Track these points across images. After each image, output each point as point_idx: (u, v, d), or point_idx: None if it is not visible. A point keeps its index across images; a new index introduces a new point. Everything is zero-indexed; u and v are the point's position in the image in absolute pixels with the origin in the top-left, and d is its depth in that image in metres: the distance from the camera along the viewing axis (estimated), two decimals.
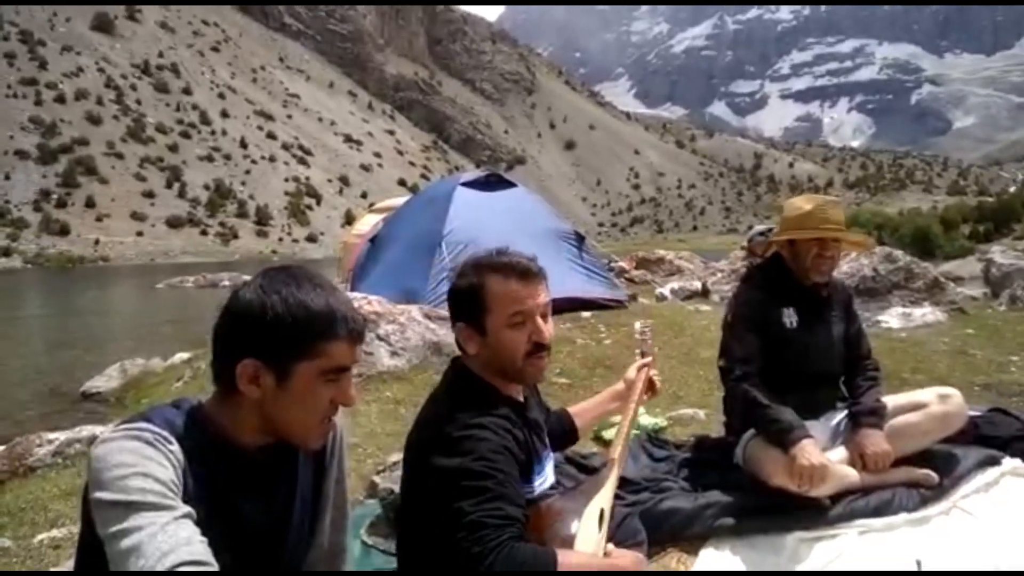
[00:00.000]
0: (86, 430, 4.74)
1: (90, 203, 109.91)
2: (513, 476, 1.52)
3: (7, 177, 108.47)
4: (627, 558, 1.58)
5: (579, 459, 2.85)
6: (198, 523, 1.10)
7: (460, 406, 1.60)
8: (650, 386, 2.13)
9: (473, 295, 1.67)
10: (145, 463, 1.10)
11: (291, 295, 1.22)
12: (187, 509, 1.10)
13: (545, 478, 1.76)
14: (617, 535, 1.79)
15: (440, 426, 1.57)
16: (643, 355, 2.17)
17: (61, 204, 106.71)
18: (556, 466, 1.93)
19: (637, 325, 2.23)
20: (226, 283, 28.12)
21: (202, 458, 1.20)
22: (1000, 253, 11.51)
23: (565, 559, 1.41)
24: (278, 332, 1.20)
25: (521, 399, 1.77)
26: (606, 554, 1.58)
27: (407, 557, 1.71)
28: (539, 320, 1.68)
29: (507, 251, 1.73)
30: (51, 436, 4.63)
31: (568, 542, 1.51)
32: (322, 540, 1.45)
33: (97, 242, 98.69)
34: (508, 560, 1.35)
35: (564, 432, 2.13)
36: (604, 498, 1.74)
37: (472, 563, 1.37)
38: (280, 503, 1.34)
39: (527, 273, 1.68)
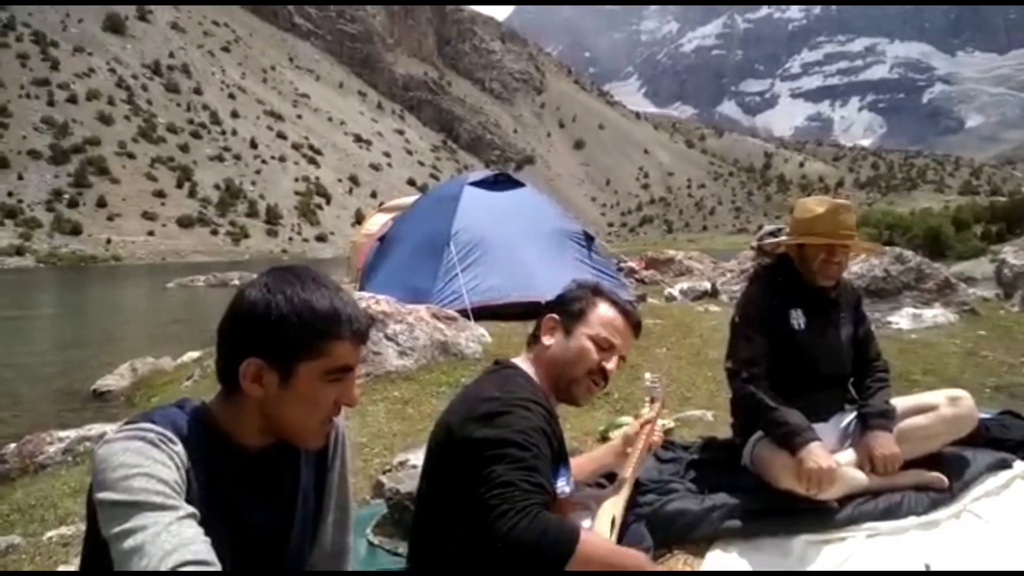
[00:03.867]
0: (96, 428, 4.78)
1: (102, 203, 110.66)
2: (547, 457, 1.55)
3: (20, 177, 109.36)
4: (641, 556, 1.59)
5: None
6: (201, 523, 1.10)
7: (507, 386, 1.66)
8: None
9: (581, 302, 1.85)
10: (149, 463, 1.10)
11: (296, 295, 1.22)
12: (190, 509, 1.10)
13: (567, 483, 1.76)
14: (622, 541, 1.80)
15: (481, 402, 1.61)
16: (652, 401, 2.17)
17: (73, 204, 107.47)
18: None
19: (648, 376, 2.24)
20: (236, 282, 28.22)
21: (205, 458, 1.20)
22: (1013, 253, 11.39)
23: (587, 537, 1.43)
24: (282, 331, 1.20)
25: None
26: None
27: (420, 550, 1.71)
28: (616, 358, 1.84)
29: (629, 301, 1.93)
30: (61, 434, 4.68)
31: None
32: (325, 540, 1.46)
33: (109, 241, 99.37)
34: (533, 523, 1.37)
35: None
36: (617, 506, 1.77)
37: (497, 520, 1.38)
38: (283, 503, 1.35)
39: (632, 319, 1.89)
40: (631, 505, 1.93)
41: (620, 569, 1.48)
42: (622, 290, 8.96)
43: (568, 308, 1.85)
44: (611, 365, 1.82)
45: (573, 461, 2.04)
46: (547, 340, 1.82)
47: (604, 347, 1.81)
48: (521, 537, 1.36)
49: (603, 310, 1.84)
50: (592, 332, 1.81)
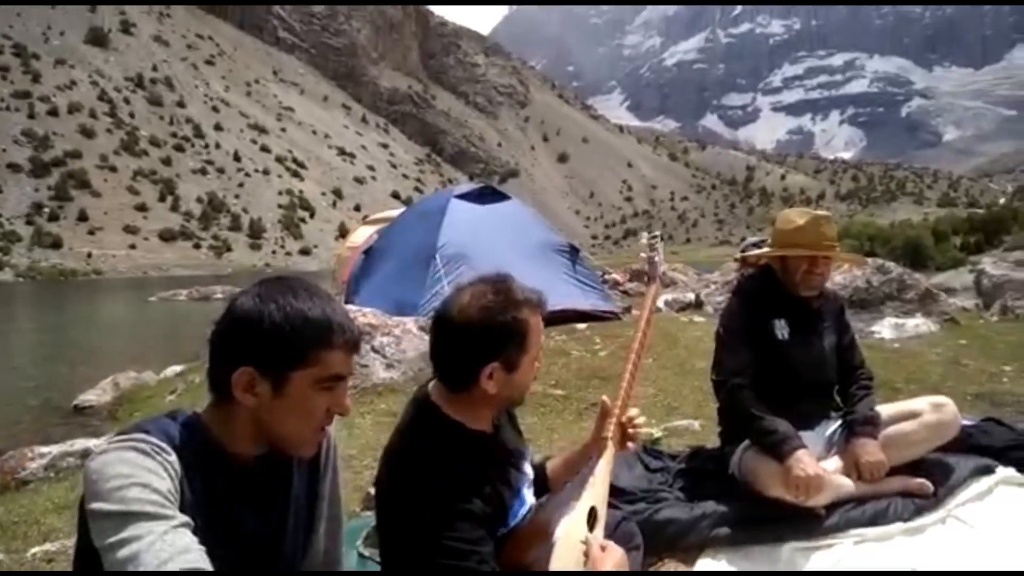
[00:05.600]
0: (79, 443, 4.72)
1: (83, 216, 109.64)
2: (473, 514, 1.50)
3: None
4: (605, 562, 1.53)
5: None
6: (195, 532, 1.10)
7: (424, 450, 1.57)
8: (624, 436, 1.86)
9: (518, 332, 1.59)
10: (142, 473, 1.10)
11: (288, 304, 1.23)
12: (185, 518, 1.10)
13: (524, 503, 1.71)
14: (612, 540, 1.73)
15: (400, 470, 1.58)
16: (650, 275, 2.11)
17: (54, 217, 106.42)
18: None
19: (644, 236, 2.13)
20: (219, 296, 28.06)
21: (199, 468, 1.20)
22: (991, 264, 11.59)
23: None
24: (275, 341, 1.21)
25: (490, 430, 1.68)
26: (587, 554, 1.55)
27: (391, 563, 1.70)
28: None
29: (515, 280, 1.68)
30: (43, 450, 4.62)
31: (544, 561, 1.50)
32: (317, 548, 1.46)
33: (90, 255, 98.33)
34: None
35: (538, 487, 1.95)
36: (594, 495, 1.68)
37: None
38: (275, 512, 1.35)
39: (544, 306, 1.68)
40: (616, 494, 1.87)
41: None
42: (607, 301, 9.00)
43: (504, 345, 1.60)
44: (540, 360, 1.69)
45: (549, 466, 1.95)
46: (493, 390, 1.60)
47: (537, 353, 1.67)
48: None
49: (535, 324, 1.64)
50: (533, 353, 1.65)
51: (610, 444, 1.78)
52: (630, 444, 1.86)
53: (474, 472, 1.55)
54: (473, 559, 1.45)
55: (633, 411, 1.86)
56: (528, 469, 1.79)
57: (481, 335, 1.56)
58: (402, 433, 1.66)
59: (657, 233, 2.17)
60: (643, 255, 2.12)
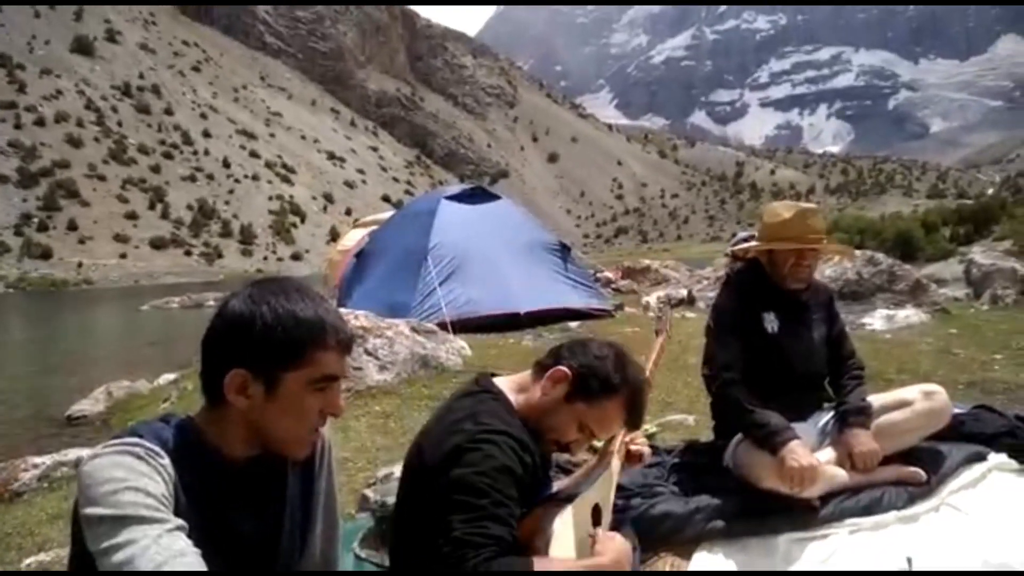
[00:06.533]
0: (72, 453, 4.70)
1: (72, 226, 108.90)
2: (509, 497, 1.50)
3: None
4: (607, 556, 1.52)
5: (570, 467, 2.85)
6: (190, 536, 1.10)
7: (479, 416, 1.60)
8: (629, 456, 1.96)
9: (603, 388, 1.70)
10: (136, 478, 1.10)
11: (280, 305, 1.23)
12: (179, 522, 1.10)
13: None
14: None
15: (451, 433, 1.58)
16: (658, 332, 2.19)
17: (43, 228, 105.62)
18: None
19: (653, 299, 2.20)
20: (211, 303, 27.86)
21: (193, 472, 1.20)
22: (981, 254, 11.65)
23: (541, 566, 1.42)
24: (267, 342, 1.21)
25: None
26: (592, 534, 1.57)
27: (399, 561, 1.71)
28: (587, 446, 1.83)
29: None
30: (37, 460, 4.59)
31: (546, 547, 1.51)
32: (313, 550, 1.45)
33: (80, 265, 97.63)
34: None
35: None
36: (599, 492, 1.70)
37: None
38: (270, 514, 1.35)
39: (631, 423, 1.80)
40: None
41: None
42: (599, 299, 9.01)
43: (588, 383, 1.71)
44: (577, 449, 1.77)
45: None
46: (547, 390, 1.71)
47: (585, 435, 1.74)
48: None
49: (612, 408, 1.72)
50: (587, 420, 1.71)
51: (616, 457, 1.84)
52: (636, 462, 2.01)
53: (525, 447, 1.59)
54: (503, 510, 1.47)
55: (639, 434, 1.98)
56: (551, 479, 1.86)
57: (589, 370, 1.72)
58: (456, 399, 1.73)
59: (667, 301, 2.28)
60: (652, 315, 2.23)
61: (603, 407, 1.70)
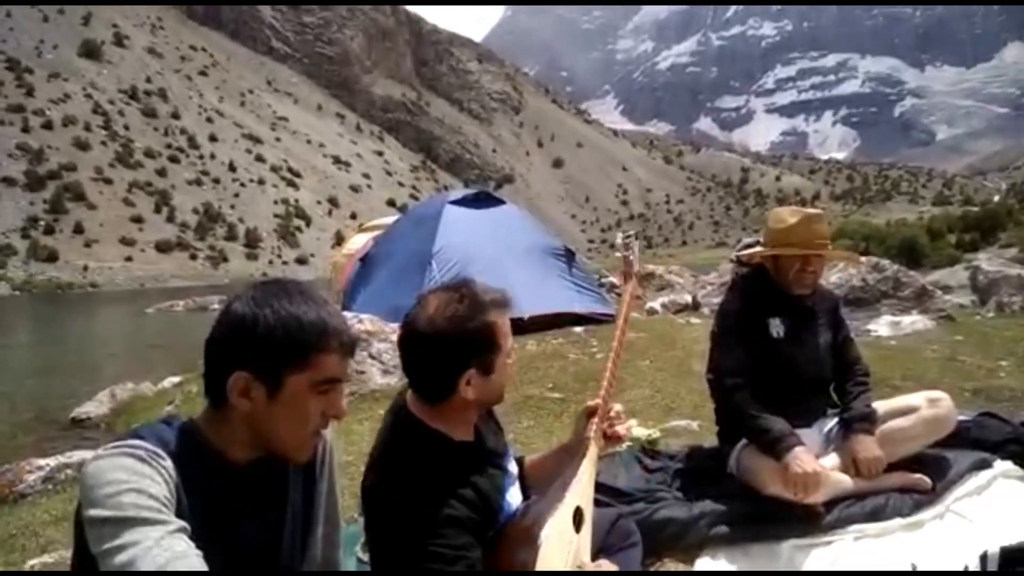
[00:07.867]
0: (76, 455, 4.71)
1: (79, 229, 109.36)
2: (460, 522, 1.49)
3: None
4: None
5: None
6: (191, 538, 1.10)
7: (407, 462, 1.56)
8: (607, 438, 1.85)
9: (489, 336, 1.59)
10: (138, 479, 1.10)
11: (283, 308, 1.22)
12: (181, 524, 1.10)
13: (511, 503, 1.70)
14: (610, 538, 1.76)
15: (387, 480, 1.56)
16: (625, 274, 2.11)
17: (49, 230, 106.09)
18: None
19: (619, 236, 2.12)
20: (216, 306, 27.88)
21: (195, 474, 1.20)
22: (986, 261, 11.63)
23: None
24: (270, 344, 1.20)
25: (471, 437, 1.68)
26: (580, 566, 1.54)
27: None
28: None
29: (476, 282, 1.66)
30: (41, 462, 4.60)
31: (530, 562, 1.49)
32: (315, 553, 1.45)
33: (86, 268, 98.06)
34: None
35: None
36: (579, 494, 1.65)
37: None
38: (272, 516, 1.35)
39: (510, 304, 1.66)
40: (615, 495, 1.86)
41: None
42: (604, 304, 9.00)
43: (477, 350, 1.61)
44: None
45: (531, 463, 1.93)
46: (472, 395, 1.60)
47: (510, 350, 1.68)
48: None
49: (501, 323, 1.63)
50: (505, 351, 1.64)
51: (592, 444, 1.76)
52: (616, 441, 1.84)
53: (459, 480, 1.54)
54: (460, 564, 1.45)
55: (617, 407, 1.85)
56: (512, 467, 1.78)
57: (453, 345, 1.55)
58: (384, 445, 1.65)
59: (631, 232, 2.16)
60: (618, 254, 2.12)
61: (501, 330, 1.62)
